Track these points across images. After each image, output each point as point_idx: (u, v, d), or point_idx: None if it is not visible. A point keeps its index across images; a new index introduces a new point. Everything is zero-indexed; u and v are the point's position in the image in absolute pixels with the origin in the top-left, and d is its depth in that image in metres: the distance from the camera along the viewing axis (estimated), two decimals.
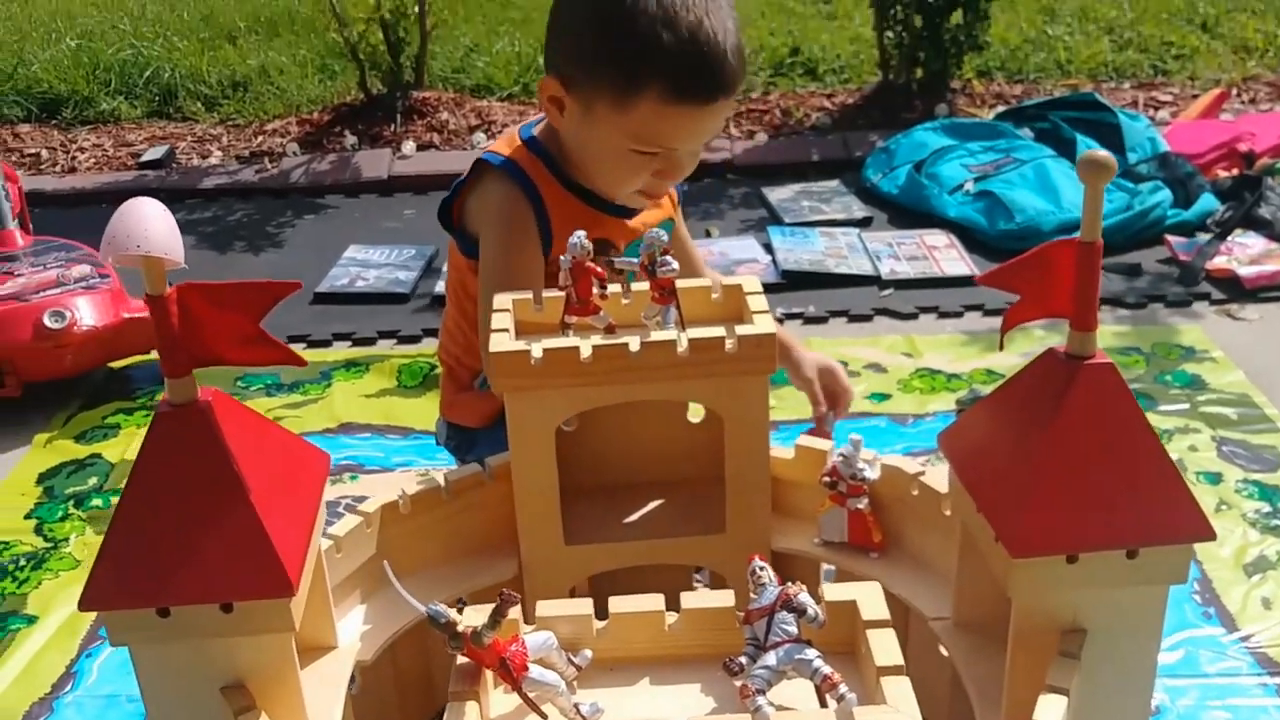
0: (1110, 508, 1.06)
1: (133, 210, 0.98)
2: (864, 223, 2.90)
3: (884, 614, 0.94)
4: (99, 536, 1.87)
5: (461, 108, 3.63)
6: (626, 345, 1.31)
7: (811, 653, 0.85)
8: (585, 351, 1.31)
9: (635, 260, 1.36)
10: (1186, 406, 2.09)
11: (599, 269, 1.34)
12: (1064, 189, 2.79)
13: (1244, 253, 2.58)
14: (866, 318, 2.48)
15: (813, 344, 2.11)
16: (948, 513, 1.32)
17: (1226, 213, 2.72)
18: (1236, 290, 2.50)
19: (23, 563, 1.81)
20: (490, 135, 3.49)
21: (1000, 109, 3.44)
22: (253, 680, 1.09)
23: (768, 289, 1.44)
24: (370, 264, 2.70)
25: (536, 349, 1.30)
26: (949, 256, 2.68)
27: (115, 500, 1.91)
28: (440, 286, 2.61)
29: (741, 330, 1.32)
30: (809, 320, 2.46)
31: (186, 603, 1.03)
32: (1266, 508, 1.81)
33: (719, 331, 1.32)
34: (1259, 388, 2.14)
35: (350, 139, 3.47)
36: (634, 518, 1.46)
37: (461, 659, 0.88)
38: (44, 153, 3.56)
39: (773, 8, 4.76)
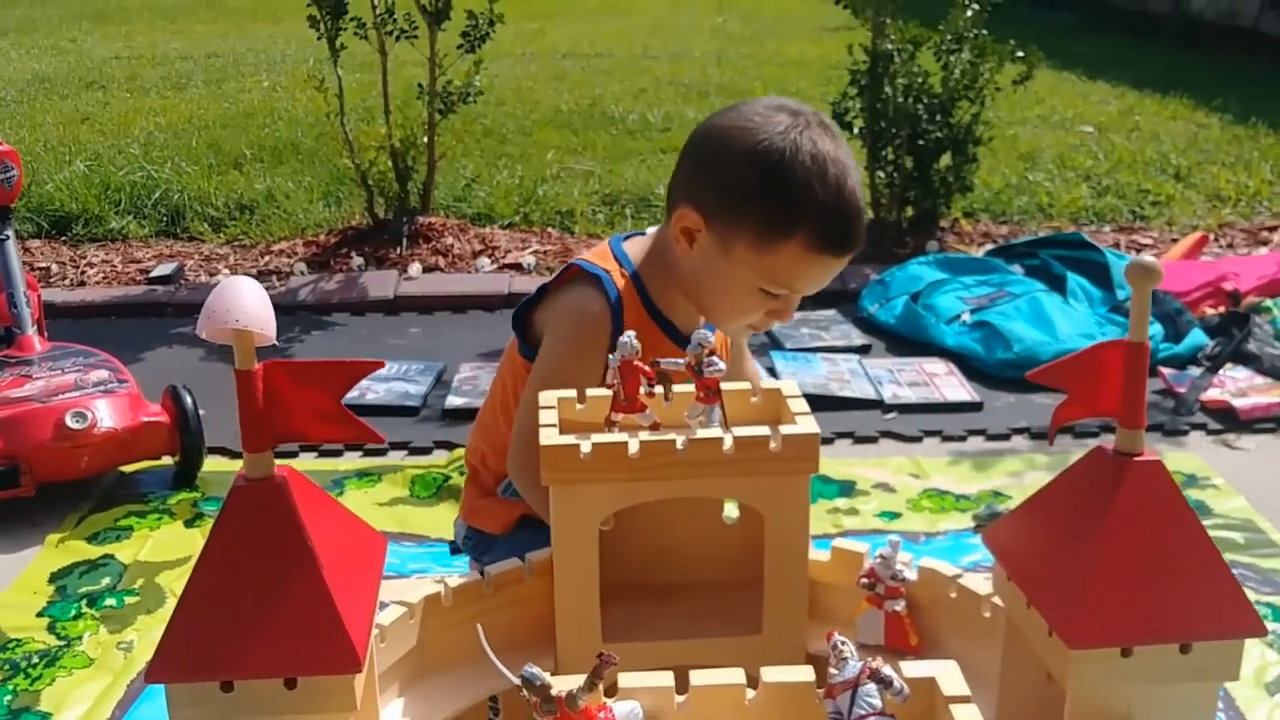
0: (1165, 602, 1.09)
1: (232, 287, 1.01)
2: (863, 349, 2.97)
3: (965, 690, 0.96)
4: (113, 636, 1.86)
5: (466, 233, 3.70)
6: (674, 442, 1.34)
7: None
8: (633, 447, 1.33)
9: (681, 362, 1.40)
10: None
11: (647, 368, 1.38)
12: (1058, 321, 2.87)
13: (1235, 385, 2.66)
14: (872, 439, 2.52)
15: (821, 464, 2.14)
16: (987, 615, 1.34)
17: (1216, 347, 2.80)
18: (1231, 421, 2.56)
19: (35, 660, 1.79)
20: (493, 260, 3.56)
21: (989, 246, 3.55)
22: None
23: None
24: (379, 378, 2.73)
25: (585, 444, 1.33)
26: (949, 383, 2.73)
27: (129, 600, 1.92)
28: (452, 400, 2.64)
29: (785, 430, 1.36)
30: None
31: (253, 676, 1.04)
32: None
33: (764, 430, 1.35)
34: (1262, 514, 2.19)
35: (357, 260, 3.53)
36: (670, 618, 1.46)
37: None
38: (54, 267, 3.60)
39: None
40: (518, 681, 0.88)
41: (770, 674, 0.98)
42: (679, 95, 6.34)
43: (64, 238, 3.88)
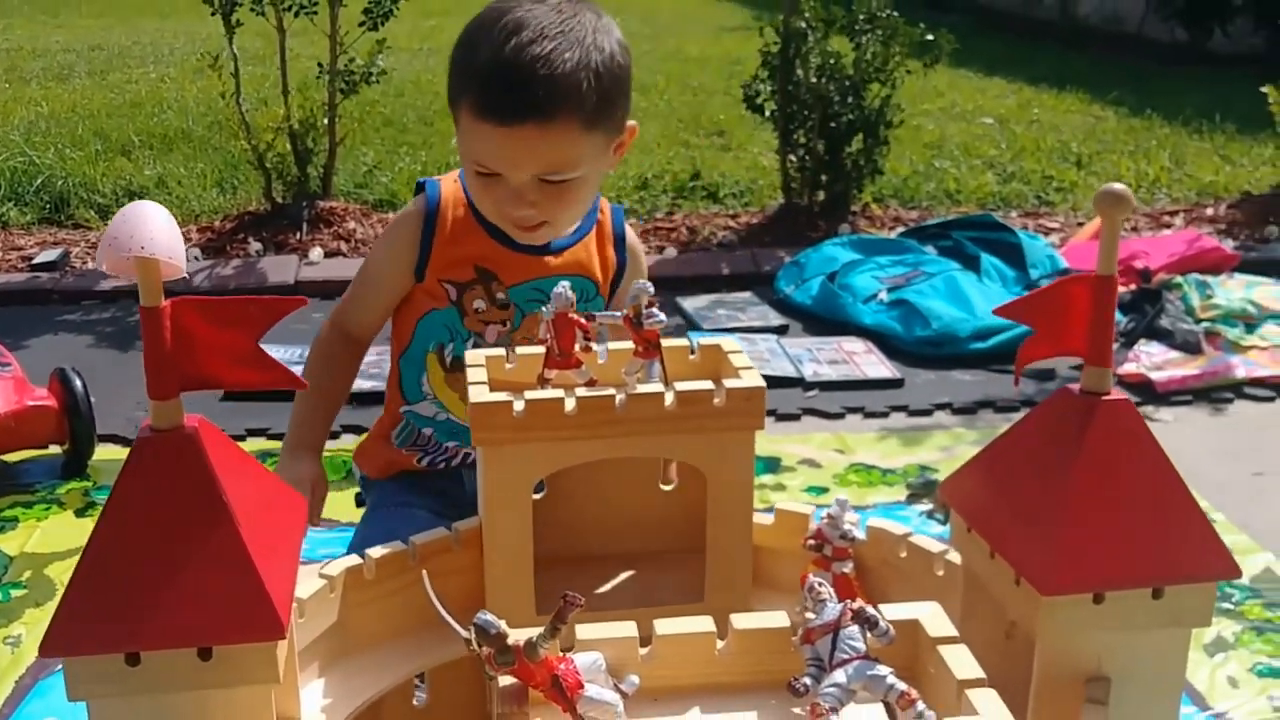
0: (1137, 545, 1.04)
1: (136, 212, 0.91)
2: (781, 330, 2.93)
3: (952, 631, 0.89)
4: (2, 629, 1.72)
5: (368, 218, 3.58)
6: (612, 398, 1.26)
7: (884, 669, 0.79)
8: (570, 404, 1.25)
9: (619, 315, 1.32)
10: None
11: (583, 321, 1.30)
12: (975, 299, 2.86)
13: (1150, 360, 2.66)
14: (795, 417, 2.47)
15: None
16: (940, 573, 1.28)
17: (1130, 324, 2.81)
18: (1149, 394, 2.56)
19: None
20: None
21: (902, 229, 3.54)
22: None
23: None
24: (285, 362, 2.60)
25: (519, 402, 1.25)
26: (869, 361, 2.70)
27: (15, 594, 1.78)
28: (358, 384, 2.52)
29: (729, 384, 1.29)
30: None
31: (162, 647, 0.93)
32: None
33: (707, 385, 1.28)
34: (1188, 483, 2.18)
35: (255, 245, 3.39)
36: (607, 588, 1.38)
37: (505, 680, 0.80)
38: None
39: (669, 139, 4.87)
40: (467, 635, 0.79)
41: (741, 620, 0.90)
42: None
43: None
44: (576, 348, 1.30)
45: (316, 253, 3.33)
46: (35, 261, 3.30)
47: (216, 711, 0.98)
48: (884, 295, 2.93)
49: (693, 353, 1.40)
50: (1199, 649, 1.69)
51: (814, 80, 3.44)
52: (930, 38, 3.54)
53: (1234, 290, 2.94)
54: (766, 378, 2.53)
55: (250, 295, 0.99)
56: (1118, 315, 2.81)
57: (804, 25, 3.33)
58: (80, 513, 2.06)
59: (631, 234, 1.69)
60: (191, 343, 0.96)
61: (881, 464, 2.26)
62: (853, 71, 3.46)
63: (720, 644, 0.90)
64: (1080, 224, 3.78)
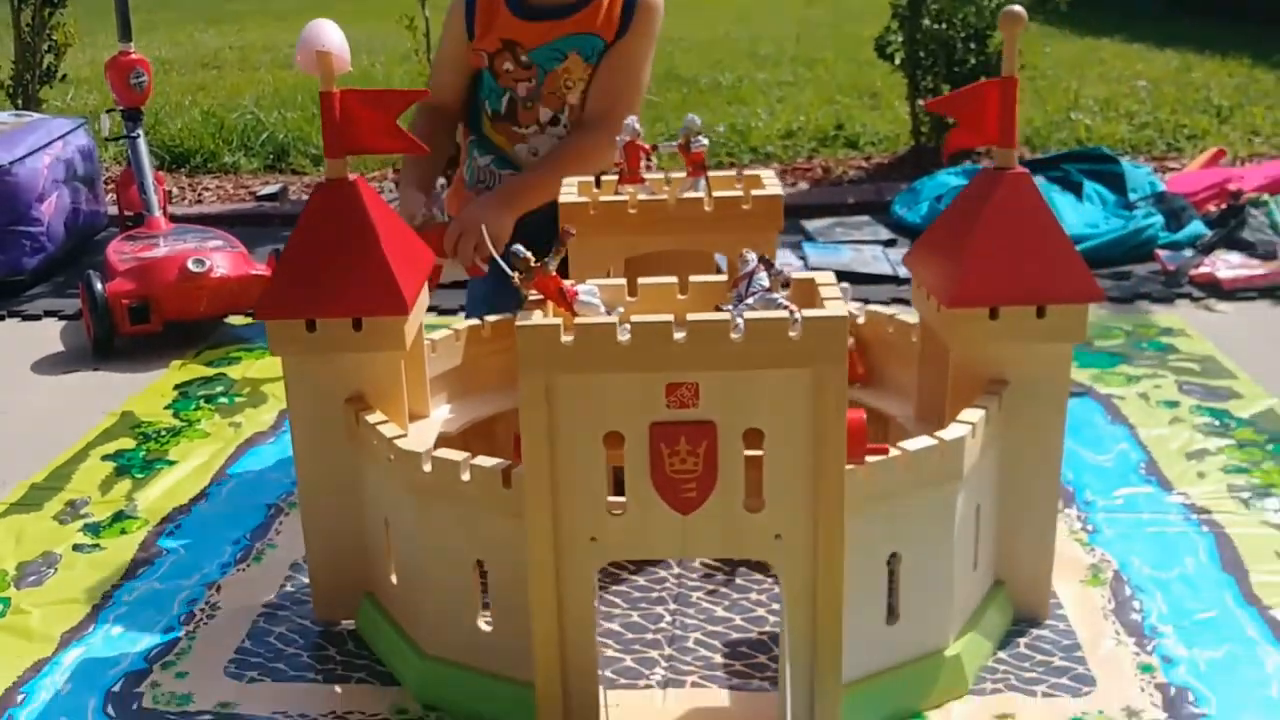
0: (1024, 274, 1.40)
1: (317, 25, 1.39)
2: (889, 243, 3.27)
3: (837, 292, 1.27)
4: (224, 419, 2.25)
5: None
6: (666, 201, 1.68)
7: (778, 297, 1.19)
8: (632, 207, 1.68)
9: (674, 144, 1.74)
10: (1156, 364, 2.40)
11: (646, 147, 1.72)
12: (1065, 214, 3.15)
13: (1226, 264, 2.91)
14: (885, 303, 2.83)
15: None
16: (914, 340, 1.65)
17: (1214, 236, 3.05)
18: (1217, 292, 2.81)
19: (164, 432, 2.19)
20: None
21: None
22: (370, 394, 1.45)
23: None
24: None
25: (593, 204, 1.68)
26: None
27: (238, 399, 2.31)
28: None
29: (756, 192, 1.69)
30: None
31: (329, 316, 1.40)
32: (1215, 422, 2.11)
33: (738, 193, 1.69)
34: (1226, 355, 2.45)
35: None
36: None
37: (531, 296, 1.23)
38: (174, 190, 4.06)
39: (821, 99, 5.24)
40: (501, 262, 1.23)
41: (695, 279, 1.32)
42: (753, 64, 6.67)
43: (183, 169, 4.36)
44: (641, 166, 1.73)
45: None
46: (260, 194, 3.92)
47: (365, 368, 1.44)
48: None
49: (739, 179, 1.79)
50: (1181, 455, 1.98)
51: (937, 27, 3.77)
52: None
53: None
54: (865, 275, 2.92)
55: (389, 89, 1.45)
56: (1203, 228, 3.08)
57: None
58: None
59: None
60: (353, 119, 1.43)
61: None
62: (975, 20, 3.77)
63: (680, 297, 1.32)
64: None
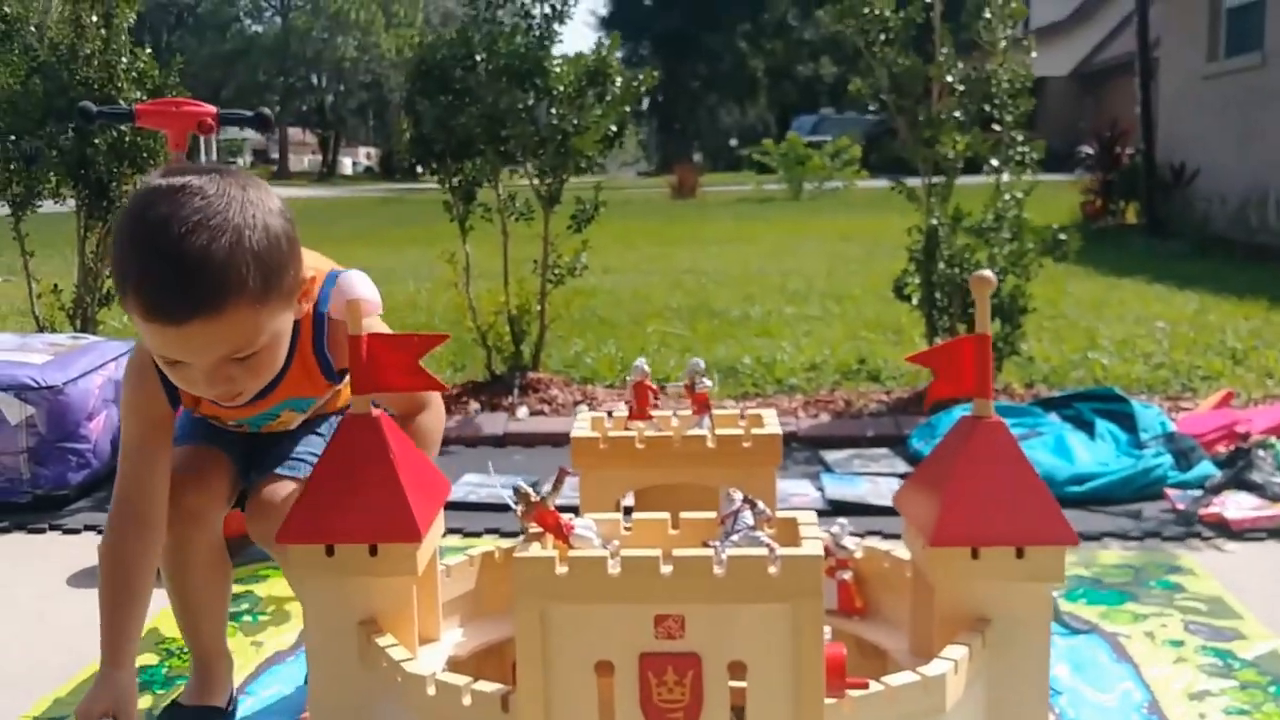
0: (1002, 517, 1.48)
1: (348, 276, 1.53)
2: (905, 477, 3.35)
3: (817, 530, 1.35)
4: (247, 638, 2.32)
5: (569, 387, 4.24)
6: (671, 438, 1.79)
7: (761, 535, 1.27)
8: (640, 442, 1.79)
9: (680, 384, 1.86)
10: (1164, 602, 2.43)
11: (654, 386, 1.85)
12: (1077, 452, 3.23)
13: (1235, 505, 2.96)
14: (898, 537, 2.88)
15: None
16: (908, 574, 1.72)
17: (1222, 478, 3.12)
18: (1226, 532, 2.86)
19: (186, 651, 2.26)
20: (592, 408, 4.06)
21: (1032, 400, 3.93)
22: (382, 617, 1.53)
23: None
24: (485, 484, 3.22)
25: (604, 439, 1.79)
26: None
27: (262, 618, 2.38)
28: None
29: (756, 431, 1.79)
30: None
31: (347, 541, 1.50)
32: (1219, 663, 2.13)
33: (739, 431, 1.79)
34: (1234, 595, 2.48)
35: (473, 405, 4.08)
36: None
37: (531, 528, 1.32)
38: None
39: (846, 333, 5.42)
40: (506, 494, 1.32)
41: (687, 515, 1.41)
42: (783, 298, 6.91)
43: None
44: (649, 405, 1.84)
45: (523, 412, 3.99)
46: None
47: (378, 594, 1.52)
48: None
49: (742, 418, 1.90)
50: (1184, 697, 2.01)
51: (950, 270, 3.94)
52: (1062, 237, 4.00)
53: None
54: (881, 507, 2.99)
55: (412, 333, 1.58)
56: (1213, 469, 3.14)
57: (934, 223, 3.86)
58: None
59: (338, 319, 1.69)
60: (379, 360, 1.55)
61: None
62: (983, 265, 3.94)
63: (672, 532, 1.40)
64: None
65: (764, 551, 1.22)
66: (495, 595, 1.81)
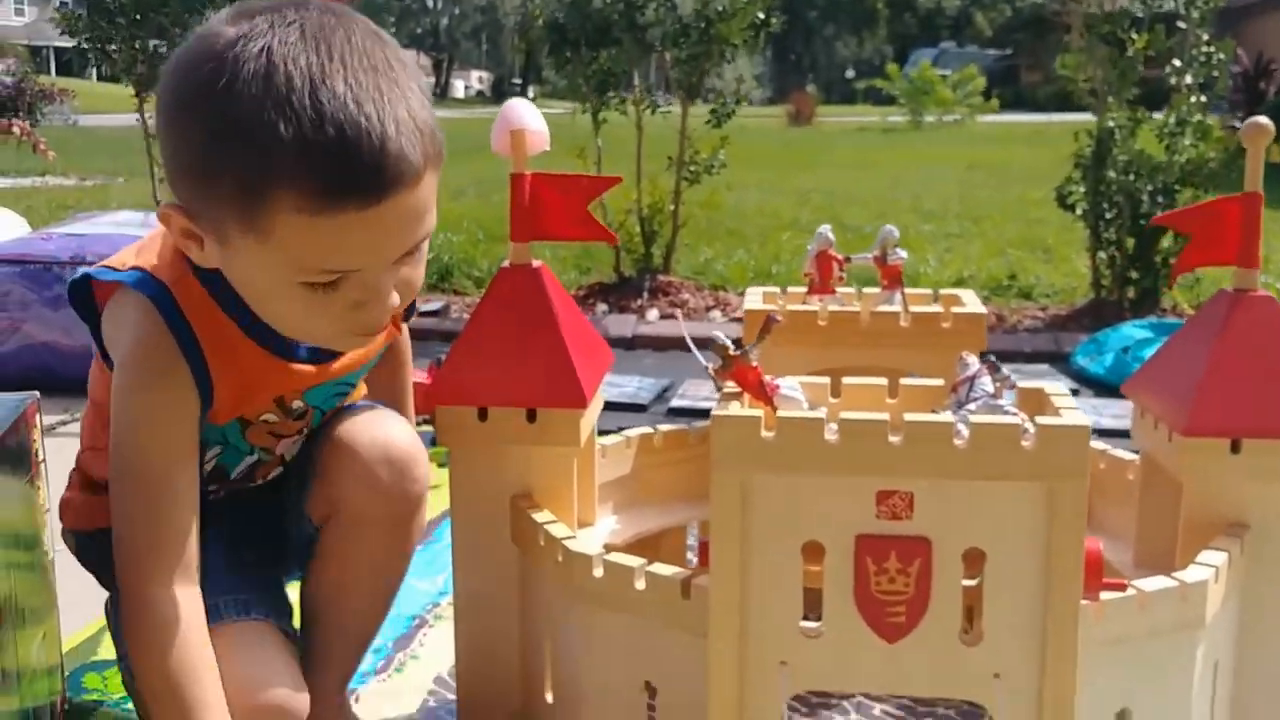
0: (1270, 406, 1.25)
1: (514, 104, 1.34)
2: (1073, 394, 3.09)
3: (1071, 401, 1.14)
4: None
5: (701, 291, 4.04)
6: (859, 314, 1.58)
7: (1003, 402, 1.06)
8: (822, 318, 1.58)
9: (869, 255, 1.65)
10: None
11: (840, 257, 1.63)
12: None
13: None
14: None
15: None
16: (1130, 477, 1.50)
17: None
18: None
19: None
20: (725, 314, 3.86)
21: None
22: (538, 492, 1.36)
23: None
24: (616, 384, 3.05)
25: (782, 310, 1.58)
26: None
27: None
28: (675, 402, 2.93)
29: (956, 310, 1.58)
30: None
31: (502, 405, 1.32)
32: None
33: (938, 308, 1.58)
34: None
35: (602, 308, 3.90)
36: None
37: (728, 387, 1.13)
38: None
39: (990, 250, 5.12)
40: (697, 353, 1.13)
41: (908, 381, 1.20)
42: (917, 216, 6.60)
43: None
44: (834, 276, 1.64)
45: (653, 314, 3.80)
46: (422, 309, 3.95)
47: (534, 464, 1.35)
48: None
49: (935, 299, 1.68)
50: None
51: (1123, 177, 3.63)
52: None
53: None
54: None
55: (581, 174, 1.39)
56: None
57: (1111, 125, 3.55)
58: (441, 464, 2.53)
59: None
60: (541, 204, 1.37)
61: None
62: (1164, 173, 3.63)
63: (890, 400, 1.20)
64: None
65: (1014, 420, 1.01)
66: (652, 482, 1.63)
